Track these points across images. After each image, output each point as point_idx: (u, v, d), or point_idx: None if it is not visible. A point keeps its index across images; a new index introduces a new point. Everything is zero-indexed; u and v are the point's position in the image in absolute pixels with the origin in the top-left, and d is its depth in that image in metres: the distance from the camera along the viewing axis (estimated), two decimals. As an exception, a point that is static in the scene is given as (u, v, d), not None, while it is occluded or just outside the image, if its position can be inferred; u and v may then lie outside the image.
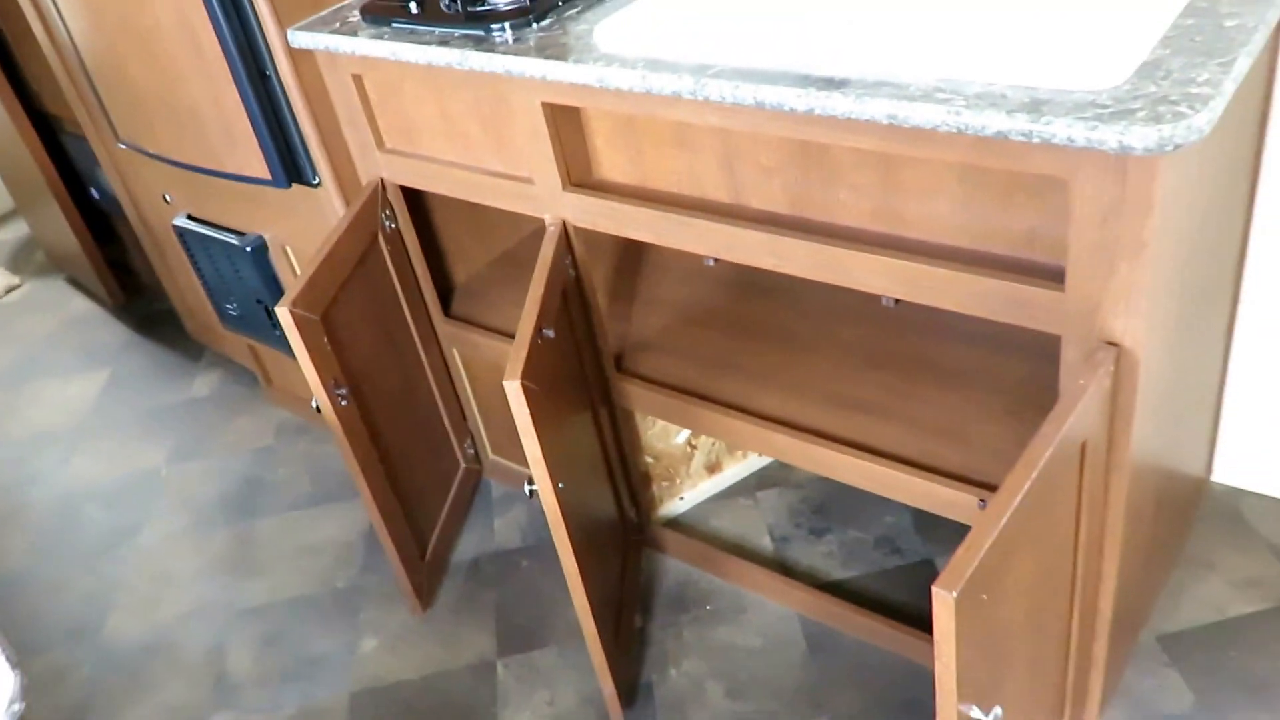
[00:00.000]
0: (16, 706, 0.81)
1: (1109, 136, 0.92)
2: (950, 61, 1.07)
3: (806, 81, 1.11)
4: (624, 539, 1.78)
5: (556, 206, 1.50)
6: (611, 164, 1.48)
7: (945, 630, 0.85)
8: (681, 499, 1.95)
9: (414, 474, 1.83)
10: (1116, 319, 1.05)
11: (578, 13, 1.44)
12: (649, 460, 1.87)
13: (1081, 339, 1.08)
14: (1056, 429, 0.99)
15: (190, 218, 2.12)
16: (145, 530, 2.22)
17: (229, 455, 2.38)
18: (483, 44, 1.41)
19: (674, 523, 1.93)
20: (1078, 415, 1.01)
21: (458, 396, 1.99)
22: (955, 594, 0.84)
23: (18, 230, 3.63)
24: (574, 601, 1.45)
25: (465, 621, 1.85)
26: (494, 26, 1.43)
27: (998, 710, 0.96)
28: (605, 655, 1.51)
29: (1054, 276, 1.09)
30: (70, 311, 3.09)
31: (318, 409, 1.51)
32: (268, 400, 2.52)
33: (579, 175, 1.48)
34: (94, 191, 2.75)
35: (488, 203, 1.60)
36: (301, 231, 1.90)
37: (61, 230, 2.86)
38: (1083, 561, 1.20)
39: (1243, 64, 0.97)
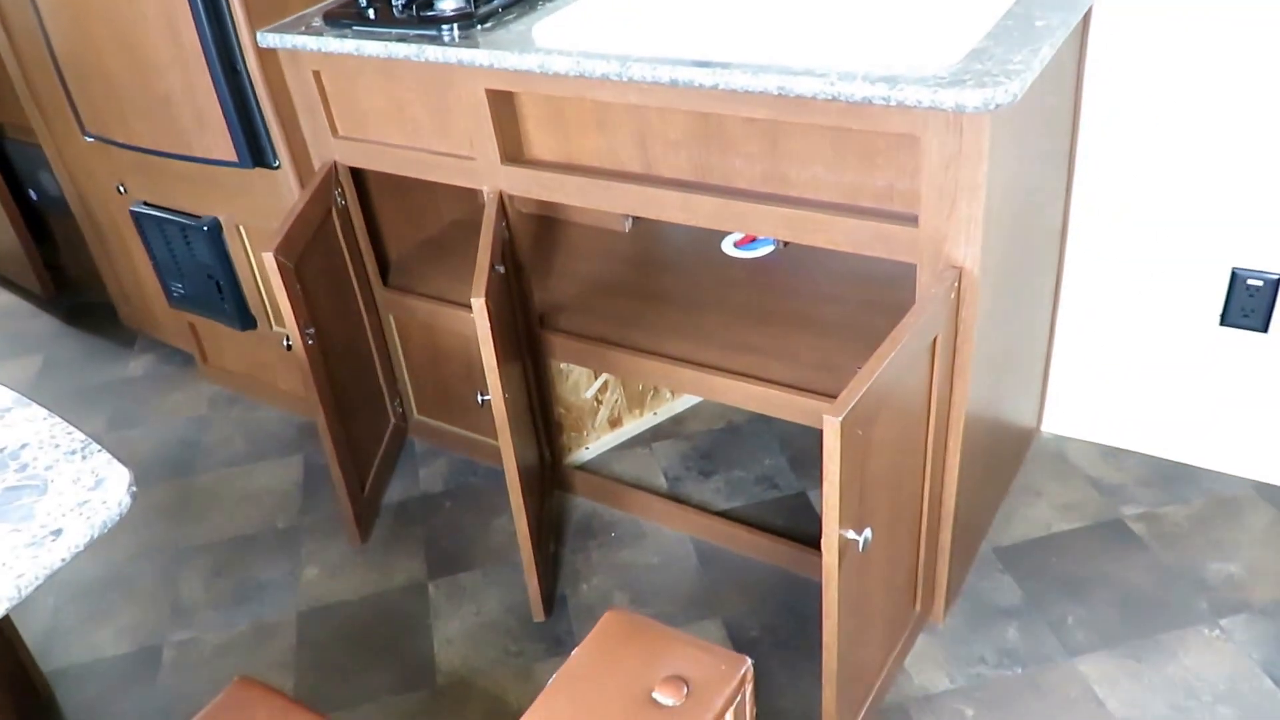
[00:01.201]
0: (134, 489, 0.92)
1: (947, 99, 1.13)
2: (822, 49, 1.27)
3: (710, 64, 1.30)
4: (541, 477, 1.90)
5: (495, 178, 1.64)
6: (541, 145, 1.63)
7: (832, 450, 1.03)
8: (587, 449, 2.09)
9: (356, 420, 1.91)
10: (958, 248, 1.26)
11: (514, 18, 1.60)
12: (561, 411, 2.01)
13: (931, 264, 1.29)
14: (915, 319, 1.19)
15: (147, 204, 2.17)
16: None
17: (165, 424, 2.40)
18: (434, 41, 1.55)
19: (581, 467, 2.07)
20: (929, 314, 1.22)
21: (390, 359, 2.09)
22: (840, 419, 1.02)
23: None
24: (511, 502, 1.57)
25: (397, 551, 1.94)
26: (444, 27, 1.57)
27: (868, 531, 1.14)
28: (534, 558, 1.63)
29: (909, 220, 1.30)
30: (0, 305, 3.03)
31: (289, 346, 1.60)
32: (201, 377, 2.53)
33: (513, 153, 1.63)
34: (32, 193, 2.74)
35: (433, 178, 1.73)
36: (256, 211, 1.98)
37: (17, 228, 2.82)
38: (932, 450, 1.40)
39: (1047, 51, 1.21)
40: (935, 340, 1.28)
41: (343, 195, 1.85)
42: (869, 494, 1.21)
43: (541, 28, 1.55)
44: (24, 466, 0.95)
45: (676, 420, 2.16)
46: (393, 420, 2.14)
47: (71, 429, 1.01)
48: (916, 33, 1.36)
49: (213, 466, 2.24)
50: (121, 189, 2.22)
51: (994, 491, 1.81)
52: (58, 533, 0.87)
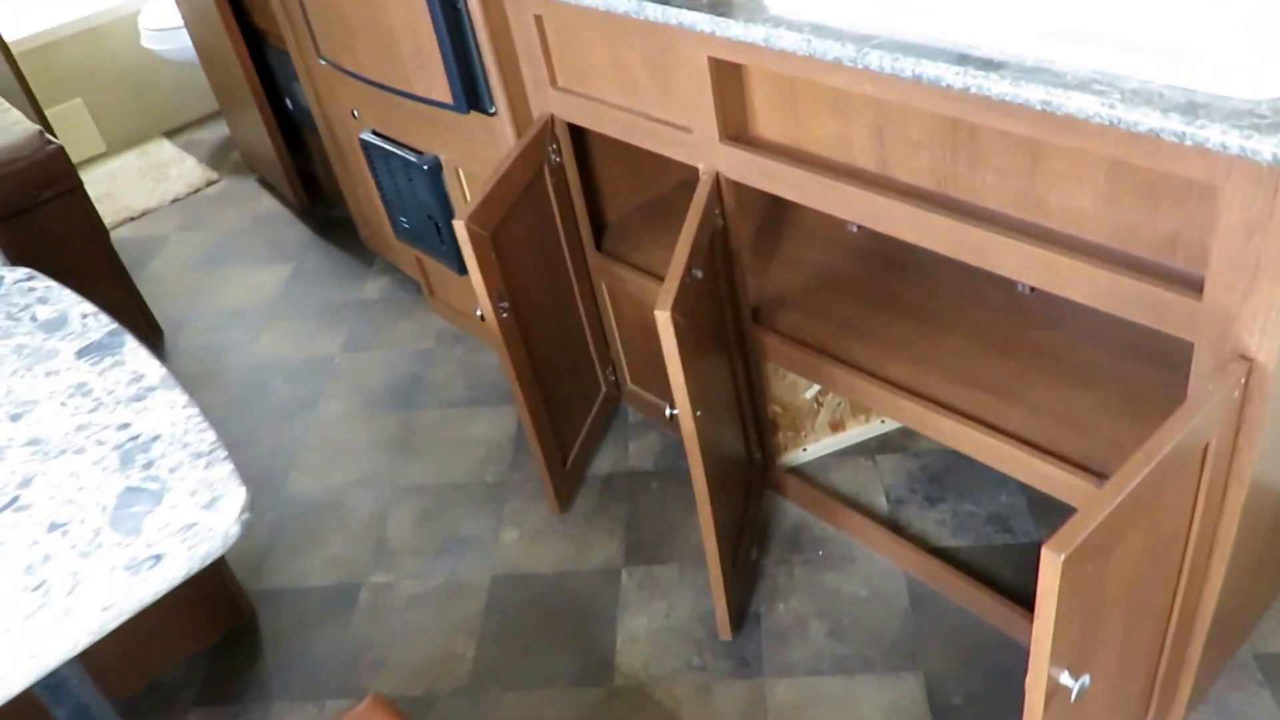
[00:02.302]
0: (246, 516, 0.93)
1: (1264, 147, 0.90)
2: (1108, 54, 1.05)
3: (964, 60, 1.12)
4: (748, 477, 1.84)
5: (711, 157, 1.54)
6: (768, 122, 1.51)
7: (1049, 589, 0.89)
8: (804, 450, 2.00)
9: (560, 388, 1.93)
10: (1253, 335, 1.03)
11: (752, -29, 1.46)
12: (776, 410, 1.92)
13: (1214, 348, 1.07)
14: (1181, 425, 1.00)
15: (375, 133, 2.25)
16: (322, 405, 2.42)
17: (394, 352, 2.55)
18: (656, -5, 1.45)
19: (795, 470, 1.98)
20: (1203, 417, 1.01)
21: (603, 326, 2.08)
22: (1063, 556, 0.87)
23: (219, 131, 3.90)
24: (700, 521, 1.54)
25: (596, 528, 1.97)
26: (671, -23, 1.47)
27: (1085, 678, 0.99)
28: (722, 576, 1.59)
29: (1192, 284, 1.08)
30: (260, 209, 3.32)
31: (482, 317, 1.62)
32: (429, 309, 2.67)
33: (735, 129, 1.52)
34: (289, 103, 2.93)
35: (647, 146, 1.65)
36: (474, 156, 2.00)
37: (258, 135, 3.06)
38: (1190, 561, 1.20)
39: None
40: (1208, 446, 1.07)
41: (558, 152, 1.82)
42: (1096, 630, 1.05)
43: (775, -13, 1.40)
44: (150, 464, 0.97)
45: (906, 432, 2.01)
46: (604, 388, 2.15)
47: (205, 426, 1.00)
48: (1234, 43, 1.10)
49: (434, 405, 2.37)
50: (355, 114, 2.31)
51: (1266, 589, 1.54)
52: (157, 559, 0.87)
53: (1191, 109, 0.96)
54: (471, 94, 1.83)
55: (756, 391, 1.82)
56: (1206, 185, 1.04)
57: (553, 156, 1.82)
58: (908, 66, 1.16)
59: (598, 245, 1.98)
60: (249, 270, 3.00)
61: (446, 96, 1.82)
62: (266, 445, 2.33)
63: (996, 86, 1.08)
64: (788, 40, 1.27)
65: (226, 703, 1.77)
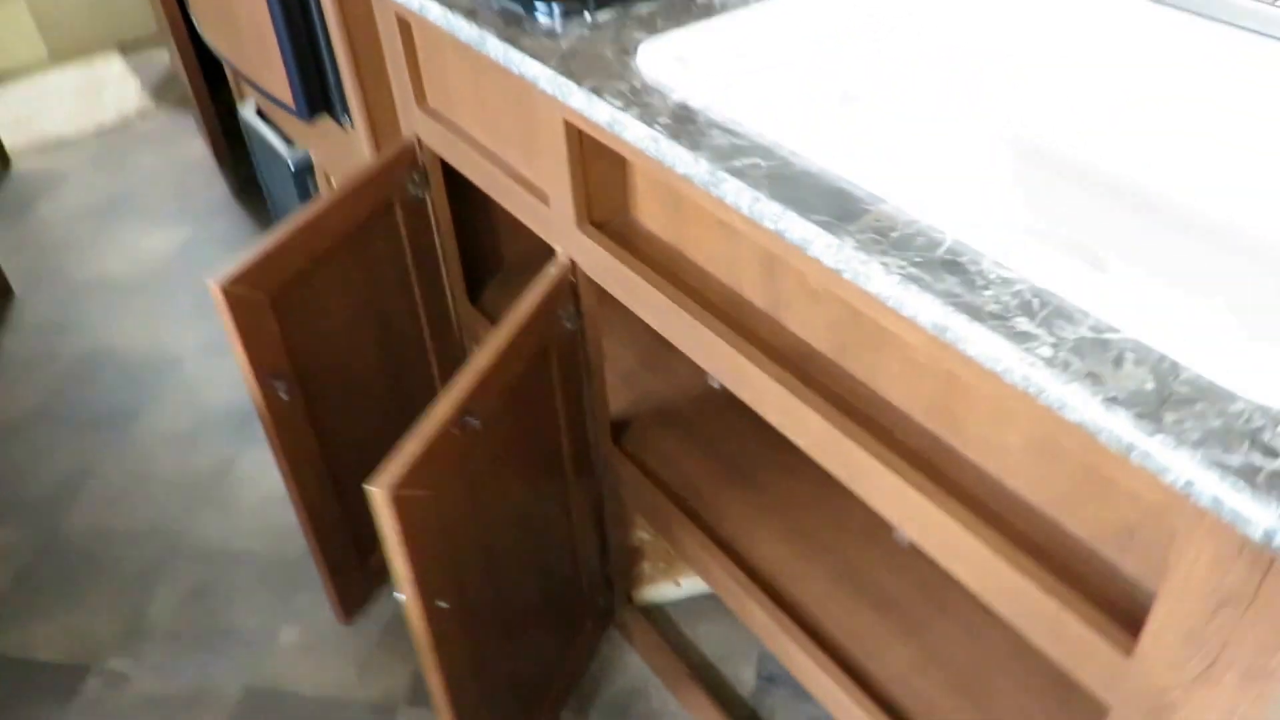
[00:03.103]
0: None
1: (1260, 516, 0.52)
2: (1069, 266, 0.67)
3: (846, 220, 0.73)
4: (577, 621, 1.47)
5: (567, 241, 1.16)
6: (649, 212, 1.12)
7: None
8: (678, 584, 1.62)
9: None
10: (1190, 736, 0.65)
11: (649, 13, 1.07)
12: (643, 537, 1.55)
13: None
14: None
15: (259, 113, 1.88)
16: (142, 421, 2.06)
17: (255, 363, 2.18)
18: (514, 25, 1.06)
19: (654, 612, 1.60)
20: None
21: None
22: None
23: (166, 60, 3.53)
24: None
25: (386, 648, 1.59)
26: (539, 6, 1.08)
27: None
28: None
29: (1129, 621, 0.69)
30: (185, 154, 2.94)
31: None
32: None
33: (603, 211, 1.14)
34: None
35: (508, 207, 1.27)
36: (340, 165, 1.63)
37: (181, 67, 2.69)
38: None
39: None
40: None
41: (421, 185, 1.44)
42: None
43: (666, 42, 1.01)
44: None
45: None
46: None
47: None
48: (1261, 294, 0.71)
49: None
50: (240, 88, 1.94)
51: None
52: None
53: (1158, 403, 0.57)
54: (318, 99, 1.45)
55: (610, 517, 1.44)
56: (1163, 521, 0.66)
57: (413, 190, 1.44)
58: (770, 216, 0.77)
59: (474, 299, 1.61)
60: (142, 229, 2.63)
61: (287, 98, 1.44)
62: (59, 464, 1.96)
63: (876, 281, 0.70)
64: (633, 132, 0.88)
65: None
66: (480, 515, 1.11)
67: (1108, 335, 0.62)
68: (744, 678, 1.52)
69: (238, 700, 1.53)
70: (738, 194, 0.79)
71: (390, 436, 1.54)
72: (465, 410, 1.01)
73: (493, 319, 1.56)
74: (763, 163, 0.80)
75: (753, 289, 1.01)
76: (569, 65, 0.97)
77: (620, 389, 1.44)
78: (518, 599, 1.26)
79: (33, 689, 1.56)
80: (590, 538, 1.43)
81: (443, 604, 1.05)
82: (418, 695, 1.53)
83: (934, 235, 0.71)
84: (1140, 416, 0.56)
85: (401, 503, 0.94)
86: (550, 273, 1.15)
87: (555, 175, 1.11)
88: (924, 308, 0.67)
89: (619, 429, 1.37)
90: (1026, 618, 0.75)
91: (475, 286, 1.63)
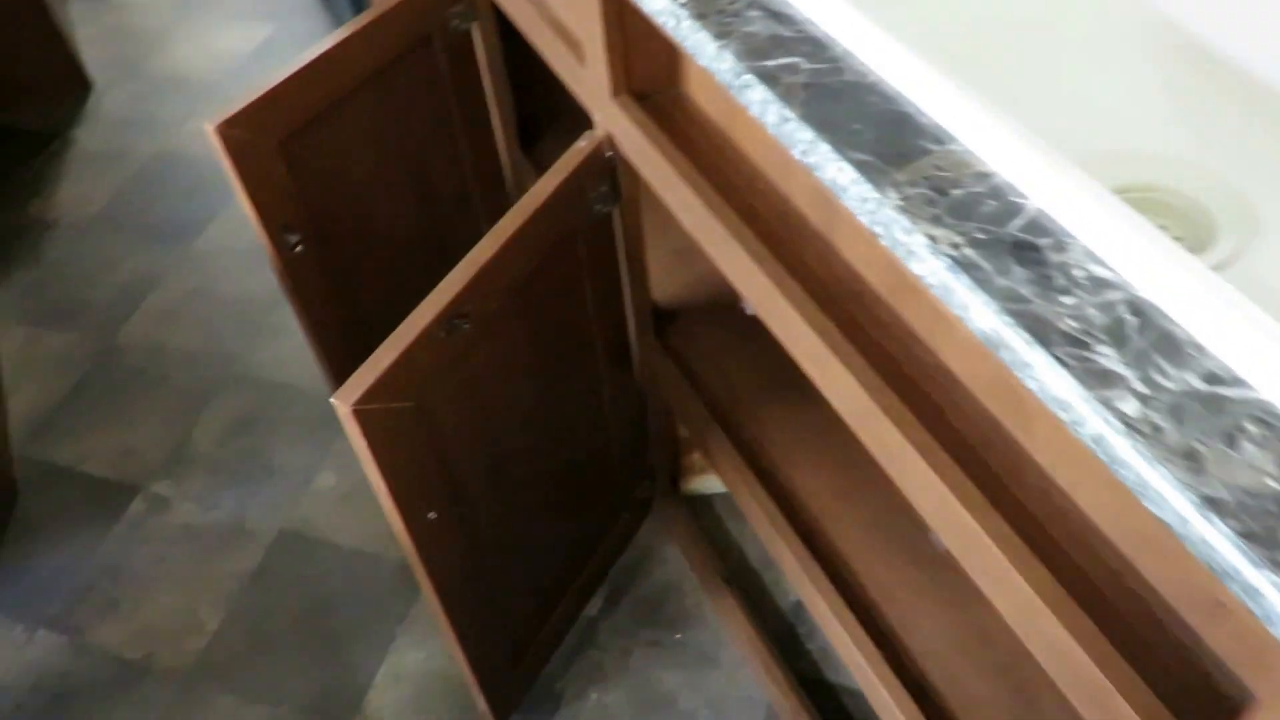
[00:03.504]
0: None
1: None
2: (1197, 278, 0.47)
3: (909, 168, 0.54)
4: (610, 514, 1.37)
5: (603, 111, 0.97)
6: (700, 87, 0.93)
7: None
8: (728, 473, 1.50)
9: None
10: None
11: None
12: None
13: None
14: None
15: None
16: (210, 232, 1.98)
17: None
18: None
19: (702, 504, 1.49)
20: None
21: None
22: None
23: None
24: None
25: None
26: None
27: None
28: (478, 674, 1.16)
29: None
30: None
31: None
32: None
33: (646, 80, 0.94)
34: None
35: (545, 57, 1.08)
36: None
37: None
38: None
39: None
40: None
41: (467, 13, 1.25)
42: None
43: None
44: None
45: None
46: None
47: None
48: None
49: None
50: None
51: None
52: None
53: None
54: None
55: (653, 409, 1.31)
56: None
57: (456, 21, 1.26)
58: (800, 144, 0.58)
59: (528, 147, 1.44)
60: (222, 24, 2.49)
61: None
62: (123, 270, 1.92)
63: (919, 258, 0.51)
64: (651, 3, 0.68)
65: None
66: (482, 420, 0.99)
67: (1227, 391, 0.44)
68: (785, 588, 1.41)
69: (271, 541, 1.50)
70: (763, 107, 0.60)
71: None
72: (454, 314, 0.87)
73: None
74: (805, 64, 0.61)
75: (809, 204, 0.82)
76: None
77: (673, 268, 1.27)
78: (534, 499, 1.15)
79: (81, 508, 1.56)
80: (628, 430, 1.30)
81: (432, 515, 0.95)
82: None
83: (1012, 200, 0.52)
84: (1248, 539, 0.39)
85: (369, 417, 0.82)
86: (580, 147, 0.98)
87: (589, 27, 0.92)
88: (975, 309, 0.49)
89: (664, 319, 1.22)
90: (1069, 682, 0.59)
91: (530, 134, 1.45)
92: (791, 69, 0.60)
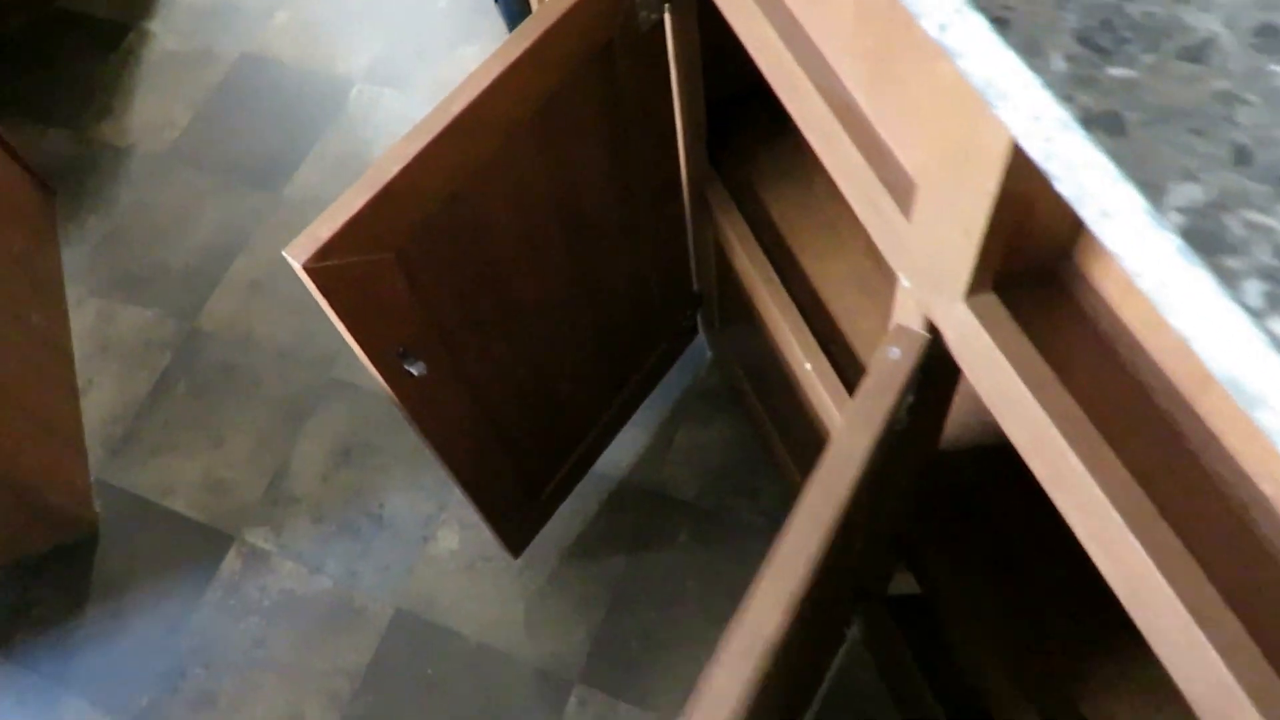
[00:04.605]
0: None
1: None
2: None
3: None
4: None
5: (931, 308, 0.57)
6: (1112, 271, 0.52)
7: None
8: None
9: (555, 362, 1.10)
10: None
11: None
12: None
13: None
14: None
15: None
16: (307, 167, 1.62)
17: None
18: None
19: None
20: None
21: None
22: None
23: None
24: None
25: (563, 592, 1.22)
26: None
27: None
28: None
29: None
30: None
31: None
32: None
33: (998, 270, 0.54)
34: None
35: (811, 139, 0.66)
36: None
37: None
38: None
39: None
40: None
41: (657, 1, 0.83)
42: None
43: None
44: None
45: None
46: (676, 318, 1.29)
47: None
48: None
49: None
50: None
51: None
52: None
53: None
54: None
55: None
56: None
57: (644, 12, 0.83)
58: None
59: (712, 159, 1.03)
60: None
61: None
62: (206, 224, 1.57)
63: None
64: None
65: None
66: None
67: None
68: None
69: (386, 624, 1.22)
70: None
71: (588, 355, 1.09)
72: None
73: (736, 188, 1.00)
74: None
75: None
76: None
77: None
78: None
79: (169, 550, 1.30)
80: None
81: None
82: (594, 669, 1.18)
83: None
84: None
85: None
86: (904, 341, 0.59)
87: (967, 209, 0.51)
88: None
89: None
90: None
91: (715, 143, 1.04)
92: None
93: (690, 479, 1.28)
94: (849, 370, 0.92)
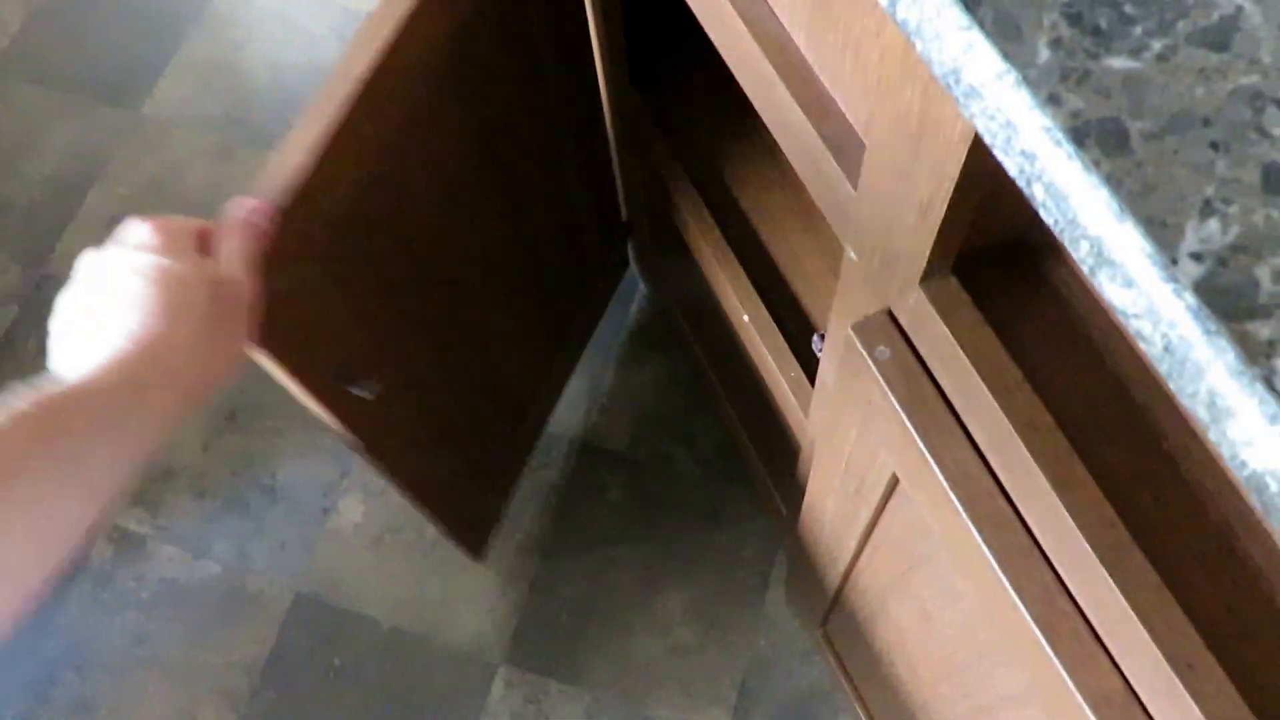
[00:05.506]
0: None
1: None
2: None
3: None
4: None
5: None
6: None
7: None
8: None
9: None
10: None
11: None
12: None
13: None
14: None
15: None
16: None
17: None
18: None
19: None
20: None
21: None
22: None
23: None
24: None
25: (496, 564, 1.19)
26: None
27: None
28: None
29: None
30: None
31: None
32: None
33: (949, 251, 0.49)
34: None
35: (781, 141, 0.60)
36: None
37: None
38: None
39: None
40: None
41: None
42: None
43: None
44: None
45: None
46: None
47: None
48: None
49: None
50: None
51: None
52: None
53: None
54: None
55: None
56: None
57: None
58: None
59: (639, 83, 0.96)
60: None
61: None
62: (52, 151, 1.45)
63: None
64: None
65: None
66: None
67: None
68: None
69: (285, 612, 1.18)
70: None
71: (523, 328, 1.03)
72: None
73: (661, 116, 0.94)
74: None
75: None
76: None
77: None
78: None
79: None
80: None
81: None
82: (520, 648, 1.15)
83: None
84: None
85: None
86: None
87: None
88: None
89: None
90: None
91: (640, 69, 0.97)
92: None
93: (622, 427, 1.24)
94: (790, 321, 0.88)
